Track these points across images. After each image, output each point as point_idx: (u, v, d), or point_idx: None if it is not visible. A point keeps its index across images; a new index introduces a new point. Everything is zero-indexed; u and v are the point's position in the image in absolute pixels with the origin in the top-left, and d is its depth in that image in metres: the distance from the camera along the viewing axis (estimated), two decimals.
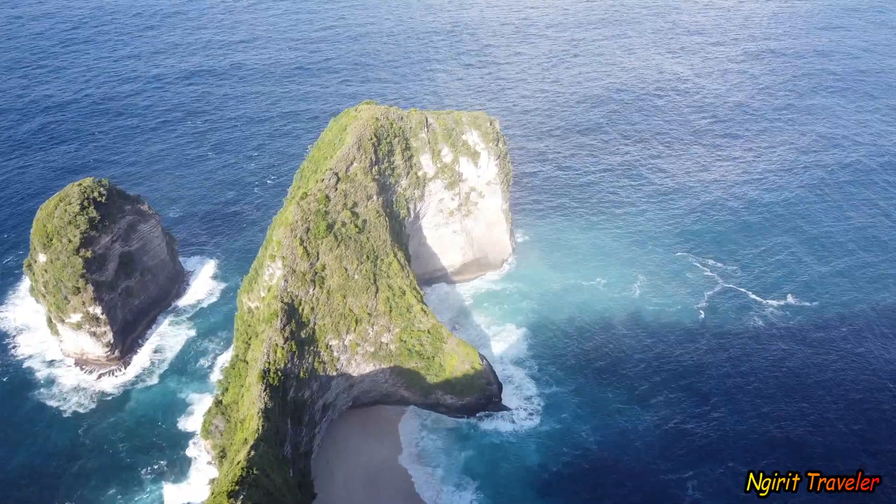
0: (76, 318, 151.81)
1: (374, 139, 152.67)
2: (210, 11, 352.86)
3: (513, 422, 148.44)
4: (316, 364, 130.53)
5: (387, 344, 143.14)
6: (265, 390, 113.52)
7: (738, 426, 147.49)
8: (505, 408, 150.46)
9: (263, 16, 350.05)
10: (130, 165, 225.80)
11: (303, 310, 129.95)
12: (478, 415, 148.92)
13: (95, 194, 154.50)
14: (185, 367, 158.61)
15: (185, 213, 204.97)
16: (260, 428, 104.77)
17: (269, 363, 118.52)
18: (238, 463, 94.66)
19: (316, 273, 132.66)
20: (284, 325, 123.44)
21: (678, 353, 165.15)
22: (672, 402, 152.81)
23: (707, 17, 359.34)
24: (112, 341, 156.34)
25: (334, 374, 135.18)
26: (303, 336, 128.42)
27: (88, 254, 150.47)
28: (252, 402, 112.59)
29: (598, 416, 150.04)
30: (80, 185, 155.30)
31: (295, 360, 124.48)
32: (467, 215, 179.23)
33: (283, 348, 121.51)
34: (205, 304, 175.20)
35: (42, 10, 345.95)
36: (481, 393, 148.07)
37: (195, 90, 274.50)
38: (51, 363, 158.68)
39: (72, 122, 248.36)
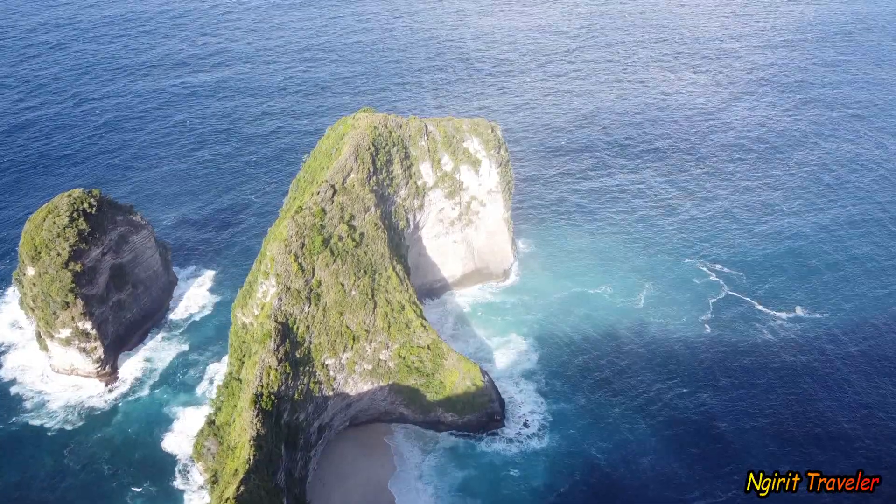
0: (65, 333, 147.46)
1: (372, 149, 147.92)
2: (204, 21, 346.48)
3: (516, 440, 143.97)
4: (311, 385, 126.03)
5: (385, 361, 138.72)
6: (257, 416, 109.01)
7: (743, 438, 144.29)
8: (507, 425, 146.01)
9: (258, 23, 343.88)
10: (124, 173, 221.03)
11: (297, 328, 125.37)
12: (479, 433, 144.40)
13: (85, 205, 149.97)
14: (177, 383, 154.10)
15: (179, 222, 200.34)
16: (251, 458, 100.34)
17: (262, 386, 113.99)
18: (227, 500, 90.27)
19: (311, 290, 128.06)
20: (278, 347, 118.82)
21: (684, 365, 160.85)
22: (678, 415, 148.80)
23: (709, 30, 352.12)
24: (102, 357, 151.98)
25: (331, 394, 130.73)
26: (297, 356, 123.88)
27: (78, 267, 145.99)
28: (243, 429, 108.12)
29: (604, 433, 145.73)
30: (70, 195, 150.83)
31: (289, 381, 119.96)
32: (468, 224, 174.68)
33: (276, 370, 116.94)
34: (199, 317, 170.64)
35: (32, 12, 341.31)
36: (483, 411, 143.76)
37: (190, 97, 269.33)
38: (39, 378, 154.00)
39: (63, 129, 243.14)
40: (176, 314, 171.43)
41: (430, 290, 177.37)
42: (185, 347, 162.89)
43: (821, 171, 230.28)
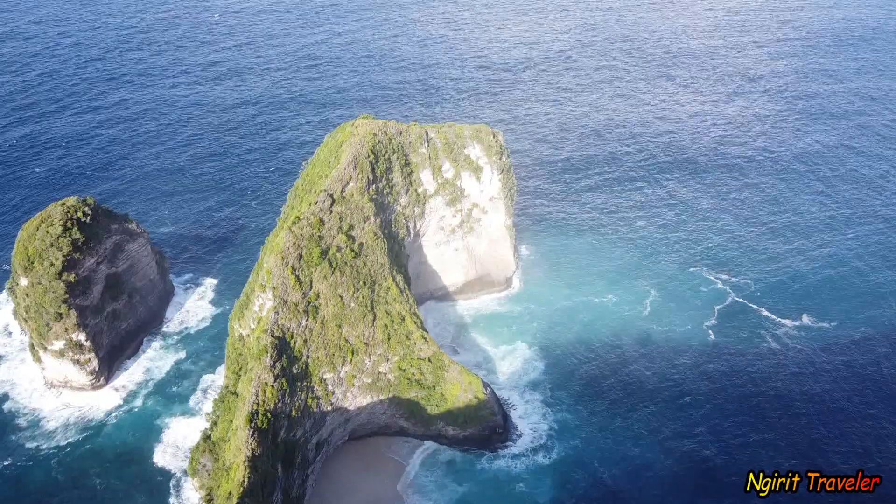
0: (59, 345, 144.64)
1: (372, 156, 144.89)
2: (198, 22, 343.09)
3: (518, 454, 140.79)
4: (309, 400, 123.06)
5: (385, 374, 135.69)
6: (253, 435, 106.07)
7: (745, 442, 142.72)
8: (510, 438, 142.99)
9: (256, 26, 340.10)
10: (120, 179, 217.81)
11: (295, 343, 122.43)
12: (482, 446, 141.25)
13: (79, 214, 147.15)
14: (173, 394, 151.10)
15: (176, 229, 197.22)
16: (245, 481, 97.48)
17: (258, 404, 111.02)
18: None
19: (309, 303, 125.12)
20: (275, 362, 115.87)
21: (688, 372, 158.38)
22: (681, 426, 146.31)
23: (710, 40, 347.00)
24: (97, 368, 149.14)
25: (329, 408, 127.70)
26: (295, 371, 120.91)
27: (72, 277, 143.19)
28: (238, 449, 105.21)
29: (610, 444, 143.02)
30: (63, 204, 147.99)
31: (286, 398, 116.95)
32: (469, 232, 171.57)
33: (272, 387, 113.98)
34: (195, 327, 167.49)
35: (29, 16, 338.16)
36: (485, 423, 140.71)
37: (187, 100, 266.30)
38: (31, 390, 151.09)
39: (57, 135, 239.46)
40: (172, 324, 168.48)
41: (431, 298, 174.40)
42: (182, 357, 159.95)
43: (825, 179, 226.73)
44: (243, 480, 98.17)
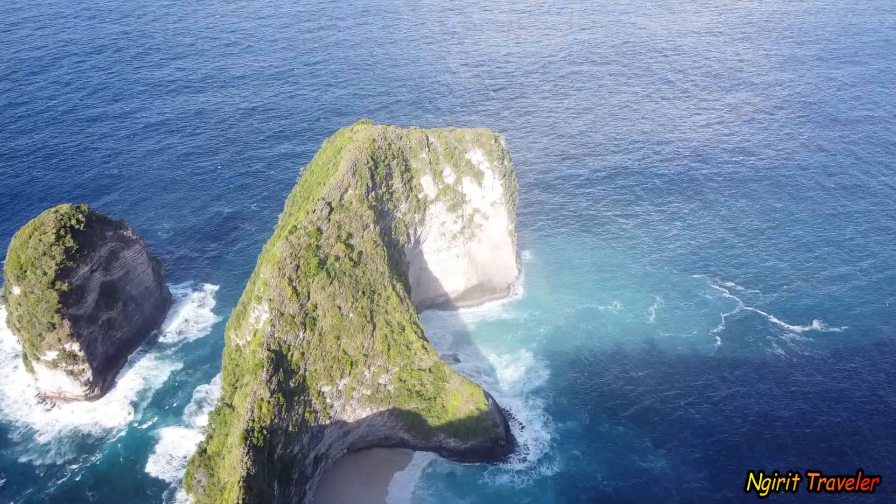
0: (52, 355, 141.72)
1: (371, 162, 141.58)
2: (196, 26, 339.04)
3: (520, 467, 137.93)
4: (307, 414, 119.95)
5: (384, 385, 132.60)
6: (248, 454, 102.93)
7: (747, 445, 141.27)
8: (512, 450, 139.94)
9: (254, 31, 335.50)
10: (115, 184, 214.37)
11: (292, 356, 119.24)
12: (484, 459, 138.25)
13: (73, 221, 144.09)
14: (168, 405, 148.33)
15: (174, 234, 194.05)
16: (240, 502, 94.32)
17: (254, 421, 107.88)
18: None
19: (306, 314, 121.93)
20: (271, 377, 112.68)
21: (694, 380, 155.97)
22: (685, 434, 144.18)
23: (715, 48, 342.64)
24: (91, 379, 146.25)
25: (327, 422, 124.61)
26: (292, 385, 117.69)
27: (65, 286, 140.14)
28: (233, 467, 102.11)
29: (612, 454, 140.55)
30: (57, 211, 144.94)
31: (283, 413, 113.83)
32: (471, 238, 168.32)
33: (268, 402, 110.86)
34: (192, 336, 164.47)
35: (21, 16, 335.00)
36: (487, 435, 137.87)
37: (184, 106, 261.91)
38: (23, 401, 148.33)
39: (53, 139, 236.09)
40: (170, 332, 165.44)
41: (432, 305, 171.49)
42: (178, 367, 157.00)
43: (829, 185, 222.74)
44: (238, 502, 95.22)
